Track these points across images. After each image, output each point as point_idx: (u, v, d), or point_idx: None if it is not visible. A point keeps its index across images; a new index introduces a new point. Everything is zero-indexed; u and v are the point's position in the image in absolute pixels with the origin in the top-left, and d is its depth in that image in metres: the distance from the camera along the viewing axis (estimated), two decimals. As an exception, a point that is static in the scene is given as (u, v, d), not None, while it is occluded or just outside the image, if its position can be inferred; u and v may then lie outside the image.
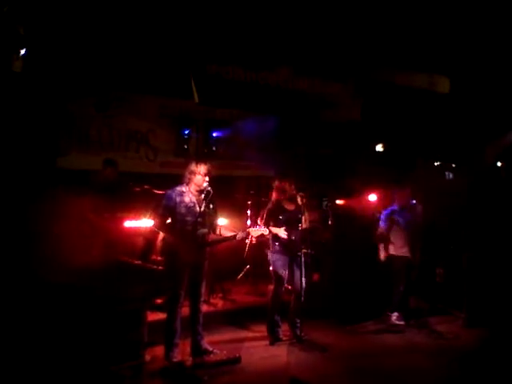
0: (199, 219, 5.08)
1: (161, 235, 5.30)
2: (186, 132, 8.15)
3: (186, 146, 8.15)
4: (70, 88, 6.86)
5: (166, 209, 5.11)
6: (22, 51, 5.64)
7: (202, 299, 5.45)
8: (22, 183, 5.77)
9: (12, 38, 5.53)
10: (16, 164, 5.90)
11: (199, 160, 5.30)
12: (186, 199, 5.11)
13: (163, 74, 7.20)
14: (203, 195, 5.12)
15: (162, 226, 5.15)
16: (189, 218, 5.05)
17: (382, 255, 6.84)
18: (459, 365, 5.31)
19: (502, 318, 6.42)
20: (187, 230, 5.03)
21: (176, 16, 6.69)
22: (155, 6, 6.44)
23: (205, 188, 5.09)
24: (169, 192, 5.21)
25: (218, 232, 5.37)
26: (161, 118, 8.00)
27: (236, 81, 7.45)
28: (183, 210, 5.07)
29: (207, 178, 5.12)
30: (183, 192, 5.14)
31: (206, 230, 5.18)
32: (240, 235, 5.30)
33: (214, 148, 8.38)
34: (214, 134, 8.37)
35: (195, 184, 5.15)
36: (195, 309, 5.25)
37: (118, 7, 6.20)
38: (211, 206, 5.25)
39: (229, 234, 5.36)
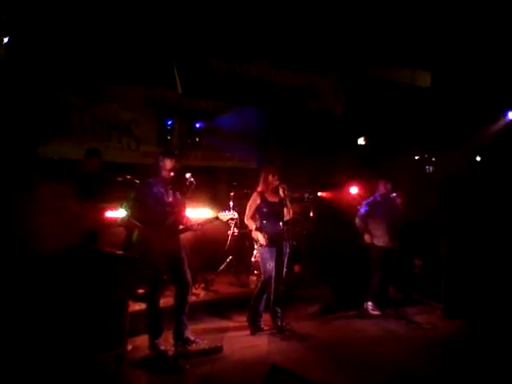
0: (168, 209, 5.19)
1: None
2: (169, 122, 8.13)
3: (168, 137, 8.13)
4: (52, 76, 6.79)
5: (135, 200, 5.19)
6: (5, 39, 5.57)
7: (191, 289, 5.50)
8: (3, 172, 5.71)
9: (-6, 25, 5.47)
10: (-2, 152, 5.85)
11: (166, 155, 5.36)
12: (154, 190, 5.19)
13: (147, 63, 7.15)
14: (170, 186, 5.26)
15: (132, 217, 5.19)
16: (158, 208, 5.13)
17: (367, 238, 6.95)
18: (437, 354, 5.43)
19: (480, 308, 6.55)
20: (157, 220, 5.11)
21: (161, 6, 6.65)
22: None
23: (169, 178, 5.20)
24: (138, 184, 5.40)
25: (185, 223, 5.44)
26: (144, 108, 7.94)
27: (220, 72, 7.44)
28: (152, 201, 5.15)
29: (172, 173, 5.23)
30: (151, 183, 5.23)
31: (174, 219, 5.27)
32: (207, 221, 5.53)
33: (197, 139, 8.38)
34: (198, 125, 8.37)
35: (161, 176, 5.24)
36: (182, 298, 5.30)
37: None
38: (178, 196, 5.36)
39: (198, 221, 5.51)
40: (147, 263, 5.09)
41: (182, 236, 5.44)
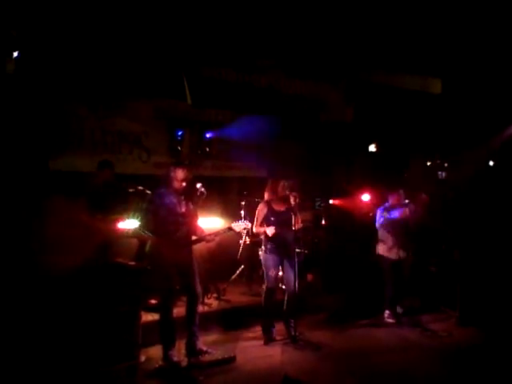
0: (180, 219, 5.19)
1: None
2: (180, 133, 8.16)
3: (179, 148, 8.16)
4: (63, 90, 6.86)
5: (148, 212, 5.21)
6: (15, 53, 5.66)
7: (199, 300, 5.51)
8: (15, 185, 5.77)
9: (5, 40, 5.54)
10: (9, 166, 5.90)
11: (177, 165, 5.39)
12: (167, 200, 5.20)
13: (156, 76, 7.21)
14: (182, 196, 5.25)
15: (146, 228, 5.21)
16: (170, 219, 5.13)
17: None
18: (453, 363, 5.36)
19: (495, 316, 6.46)
20: (169, 231, 5.12)
21: (169, 19, 6.71)
22: (149, 9, 6.46)
23: (181, 188, 5.20)
24: (150, 195, 5.40)
25: (198, 233, 5.43)
26: (154, 120, 7.99)
27: (229, 82, 7.48)
28: (164, 212, 5.15)
29: (184, 184, 5.24)
30: (164, 194, 5.23)
31: (187, 229, 5.28)
32: (220, 231, 5.48)
33: (207, 149, 8.40)
34: (208, 135, 8.40)
35: (173, 187, 5.25)
36: (191, 309, 5.31)
37: (111, 10, 6.21)
38: (191, 206, 5.34)
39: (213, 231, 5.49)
40: (160, 274, 5.10)
41: (195, 246, 5.44)
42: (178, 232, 5.19)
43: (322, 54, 8.00)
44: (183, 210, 5.26)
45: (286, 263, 5.92)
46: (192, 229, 5.37)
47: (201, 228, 5.51)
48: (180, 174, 5.23)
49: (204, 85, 7.23)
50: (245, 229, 5.79)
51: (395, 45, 8.03)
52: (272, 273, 5.86)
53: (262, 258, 6.06)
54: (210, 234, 5.45)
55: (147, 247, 5.27)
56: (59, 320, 4.44)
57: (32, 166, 6.24)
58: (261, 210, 5.97)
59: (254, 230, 6.01)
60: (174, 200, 5.22)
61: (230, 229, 5.55)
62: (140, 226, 5.28)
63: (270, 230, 5.80)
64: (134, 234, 6.55)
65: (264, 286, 5.98)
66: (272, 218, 5.90)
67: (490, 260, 6.97)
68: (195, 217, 5.45)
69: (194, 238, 5.38)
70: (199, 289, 5.41)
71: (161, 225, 5.13)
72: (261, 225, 5.95)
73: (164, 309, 5.21)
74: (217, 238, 5.56)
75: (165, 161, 8.03)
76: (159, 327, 5.21)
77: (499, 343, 5.87)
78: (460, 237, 7.16)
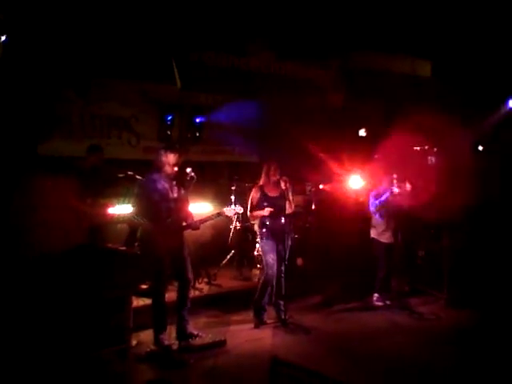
0: (172, 205, 5.18)
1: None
2: (169, 117, 8.09)
3: (169, 132, 8.10)
4: (51, 74, 6.76)
5: (140, 197, 5.18)
6: (3, 37, 5.56)
7: (191, 285, 5.52)
8: (4, 169, 5.72)
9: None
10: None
11: (168, 149, 5.32)
12: (159, 186, 5.17)
13: (145, 59, 7.13)
14: (174, 181, 5.22)
15: (138, 213, 5.18)
16: (162, 204, 5.10)
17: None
18: (440, 345, 5.42)
19: (483, 298, 6.55)
20: (162, 216, 5.10)
21: (159, 2, 6.63)
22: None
23: (173, 173, 5.16)
24: (142, 180, 5.34)
25: (189, 219, 5.40)
26: (143, 104, 7.91)
27: (218, 66, 7.43)
28: (157, 197, 5.13)
29: (176, 168, 5.19)
30: (155, 179, 5.20)
31: (179, 215, 5.26)
32: (212, 216, 5.49)
33: (197, 133, 8.33)
34: (198, 120, 8.33)
35: (165, 171, 5.20)
36: (182, 294, 5.32)
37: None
38: (182, 191, 5.33)
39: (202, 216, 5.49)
40: (152, 259, 5.10)
41: (186, 232, 5.43)
42: (170, 217, 5.17)
43: (312, 38, 7.96)
44: (175, 195, 5.24)
45: (278, 247, 5.93)
46: (183, 214, 5.35)
47: (191, 213, 5.49)
48: (171, 158, 5.18)
49: (193, 68, 7.19)
50: (236, 214, 5.78)
51: (386, 27, 8.01)
52: (271, 258, 5.87)
53: (260, 244, 6.06)
54: (201, 220, 5.44)
55: (139, 232, 5.26)
56: (49, 304, 4.43)
57: (20, 151, 6.18)
58: (254, 195, 5.96)
59: (249, 214, 5.99)
60: (166, 185, 5.19)
61: (220, 214, 5.57)
62: (133, 211, 5.25)
63: (267, 210, 5.79)
64: (125, 220, 6.56)
65: (256, 271, 6.00)
66: (265, 203, 5.89)
67: (477, 243, 7.06)
68: (186, 202, 5.44)
69: (184, 223, 5.36)
70: (191, 274, 5.41)
71: (153, 210, 5.11)
72: (254, 210, 5.93)
73: (156, 293, 5.22)
74: (206, 223, 5.55)
75: (154, 145, 7.93)
76: (151, 311, 5.23)
77: (487, 324, 5.95)
78: (448, 220, 7.20)
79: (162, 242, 5.05)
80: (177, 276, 5.37)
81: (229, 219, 7.08)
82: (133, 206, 5.29)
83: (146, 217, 5.11)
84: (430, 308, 6.68)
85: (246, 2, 7.03)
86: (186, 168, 5.40)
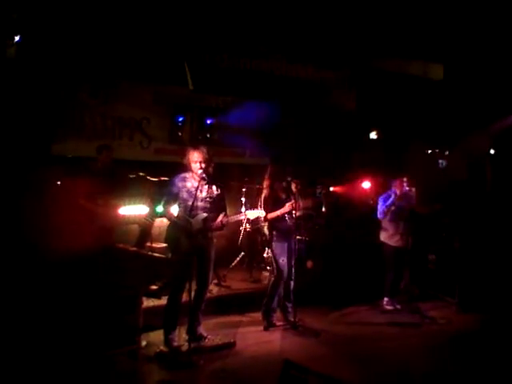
0: (200, 203, 5.16)
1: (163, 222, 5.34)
2: (181, 119, 8.13)
3: (180, 133, 8.13)
4: (64, 75, 6.82)
5: (169, 195, 5.20)
6: (17, 38, 5.61)
7: (209, 287, 5.53)
8: (18, 169, 5.76)
9: (6, 24, 5.49)
10: (11, 150, 5.89)
11: (192, 147, 5.32)
12: (188, 184, 5.19)
13: (158, 61, 7.16)
14: (202, 180, 5.15)
15: (166, 212, 5.20)
16: (190, 203, 5.07)
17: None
18: (452, 349, 5.40)
19: (495, 303, 6.51)
20: (189, 215, 5.08)
21: (172, 4, 6.65)
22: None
23: (200, 174, 5.13)
24: (173, 178, 5.31)
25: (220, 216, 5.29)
26: (155, 105, 7.94)
27: (230, 68, 7.43)
28: (185, 195, 5.15)
29: (203, 165, 5.14)
30: (186, 177, 5.22)
31: (205, 215, 5.19)
32: (235, 218, 5.44)
33: (208, 135, 8.34)
34: (208, 121, 8.35)
35: (193, 170, 5.20)
36: (199, 295, 5.29)
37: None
38: (215, 189, 5.30)
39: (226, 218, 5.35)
40: (177, 257, 5.11)
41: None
42: (195, 218, 5.13)
43: (324, 40, 7.95)
44: (203, 194, 5.22)
45: (288, 250, 5.91)
46: (213, 214, 5.26)
47: (224, 214, 5.33)
48: (196, 156, 5.15)
49: (205, 70, 7.19)
50: (258, 217, 5.70)
51: (398, 30, 7.98)
52: (282, 260, 5.84)
53: (273, 247, 6.00)
54: (221, 222, 5.28)
55: (167, 230, 5.25)
56: (61, 304, 4.46)
57: (34, 151, 6.23)
58: (267, 196, 5.91)
59: (268, 216, 5.83)
60: (196, 184, 5.15)
61: (244, 216, 5.54)
62: (163, 208, 5.23)
63: (288, 206, 5.76)
64: (136, 220, 6.59)
65: (266, 273, 5.97)
66: (276, 206, 5.87)
67: (488, 247, 7.00)
68: (218, 202, 5.36)
69: (209, 224, 5.24)
70: (211, 277, 5.43)
71: (181, 209, 5.14)
72: (272, 210, 5.85)
73: (174, 293, 5.16)
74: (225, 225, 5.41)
75: (165, 147, 8.01)
76: (164, 311, 5.21)
77: (499, 329, 5.90)
78: (460, 224, 7.16)
79: (187, 240, 5.02)
80: (198, 277, 5.29)
81: (238, 221, 7.03)
82: (162, 203, 5.29)
83: (173, 216, 5.12)
84: (441, 312, 6.63)
85: (258, 5, 7.03)
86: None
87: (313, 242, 7.80)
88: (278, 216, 5.84)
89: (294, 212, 5.87)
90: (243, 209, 7.40)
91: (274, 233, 5.92)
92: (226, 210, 5.41)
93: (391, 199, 6.66)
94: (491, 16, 7.66)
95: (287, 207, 5.78)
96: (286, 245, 5.90)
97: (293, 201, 5.78)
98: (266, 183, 6.02)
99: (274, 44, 7.82)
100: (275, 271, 5.95)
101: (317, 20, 7.55)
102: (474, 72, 8.73)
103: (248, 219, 7.35)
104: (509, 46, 8.09)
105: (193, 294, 5.11)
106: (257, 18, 7.23)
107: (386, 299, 6.84)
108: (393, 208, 6.69)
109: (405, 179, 6.84)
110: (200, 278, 5.31)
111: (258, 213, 5.52)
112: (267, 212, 5.79)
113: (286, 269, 5.88)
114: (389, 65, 8.65)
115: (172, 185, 5.24)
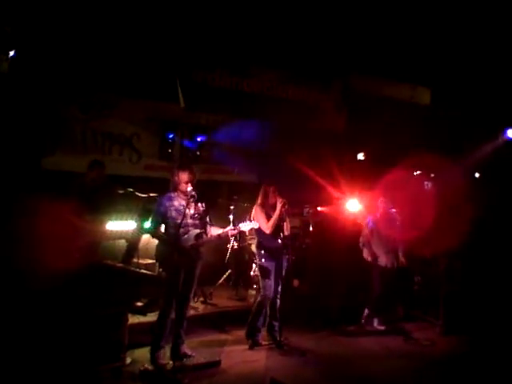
0: (189, 221, 5.22)
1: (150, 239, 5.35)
2: (171, 136, 8.17)
3: (170, 150, 8.17)
4: (56, 89, 6.85)
5: (157, 214, 5.25)
6: (11, 53, 5.64)
7: (190, 304, 5.53)
8: (6, 183, 5.74)
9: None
10: (0, 164, 5.87)
11: (180, 168, 5.39)
12: (176, 203, 5.25)
13: (149, 78, 7.22)
14: (191, 198, 5.20)
15: (155, 231, 5.25)
16: (179, 221, 5.11)
17: (365, 254, 7.01)
18: (435, 371, 5.43)
19: (479, 325, 6.56)
20: (179, 233, 5.10)
21: (163, 21, 6.74)
22: (143, 11, 6.49)
23: (189, 192, 5.18)
24: (159, 198, 5.40)
25: (208, 230, 5.39)
26: (145, 122, 7.97)
27: (222, 87, 7.52)
28: (174, 214, 5.19)
29: (190, 185, 5.21)
30: (171, 197, 5.28)
31: (197, 231, 5.25)
32: (230, 231, 5.41)
33: (198, 152, 8.39)
34: (199, 139, 8.40)
35: (180, 190, 5.27)
36: (181, 313, 5.29)
37: (106, 11, 6.23)
38: (200, 206, 5.35)
39: (219, 231, 5.39)
40: (168, 274, 5.12)
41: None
42: (187, 234, 5.19)
43: (315, 63, 8.09)
44: (192, 211, 5.28)
45: (275, 268, 5.93)
46: (201, 231, 5.32)
47: (209, 230, 5.42)
48: (183, 176, 5.24)
49: (197, 88, 7.27)
50: (252, 229, 5.73)
51: (386, 54, 8.15)
52: (268, 279, 5.87)
53: (260, 265, 6.01)
54: (214, 236, 5.38)
55: (156, 248, 5.28)
56: (44, 321, 4.43)
57: (24, 165, 6.22)
58: (260, 212, 5.95)
59: (270, 224, 5.88)
60: (183, 202, 5.22)
61: (238, 229, 5.51)
62: (151, 226, 5.28)
63: (278, 210, 5.81)
64: (123, 236, 6.57)
65: (252, 292, 5.97)
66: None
67: (473, 269, 7.07)
68: (205, 219, 5.42)
69: (198, 240, 5.28)
70: (192, 294, 5.44)
71: (170, 228, 5.17)
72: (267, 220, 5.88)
73: (165, 311, 5.17)
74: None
75: (155, 163, 8.03)
76: (154, 328, 5.20)
77: (482, 352, 5.95)
78: (445, 247, 7.24)
79: (177, 258, 5.03)
80: (181, 293, 5.27)
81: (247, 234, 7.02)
82: (150, 222, 5.32)
83: (162, 234, 5.20)
84: (425, 334, 6.68)
85: (250, 25, 7.15)
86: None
87: (300, 260, 7.83)
88: (275, 220, 5.85)
89: (282, 231, 5.91)
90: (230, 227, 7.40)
91: (262, 252, 5.95)
92: (210, 224, 5.47)
93: (369, 226, 6.79)
94: (478, 41, 7.85)
95: (278, 210, 5.82)
96: (273, 264, 5.92)
97: (283, 202, 5.82)
98: (258, 201, 6.07)
99: (265, 64, 7.94)
100: (261, 290, 5.96)
101: (308, 42, 7.69)
102: (460, 97, 8.91)
103: (236, 237, 7.42)
104: (497, 70, 8.28)
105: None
106: (249, 38, 7.34)
107: (375, 319, 6.89)
108: (375, 231, 6.81)
109: (382, 199, 6.96)
110: (184, 294, 5.28)
111: (252, 224, 5.52)
112: (267, 221, 5.85)
113: (272, 288, 5.89)
114: (377, 88, 8.80)
115: (159, 204, 5.29)
